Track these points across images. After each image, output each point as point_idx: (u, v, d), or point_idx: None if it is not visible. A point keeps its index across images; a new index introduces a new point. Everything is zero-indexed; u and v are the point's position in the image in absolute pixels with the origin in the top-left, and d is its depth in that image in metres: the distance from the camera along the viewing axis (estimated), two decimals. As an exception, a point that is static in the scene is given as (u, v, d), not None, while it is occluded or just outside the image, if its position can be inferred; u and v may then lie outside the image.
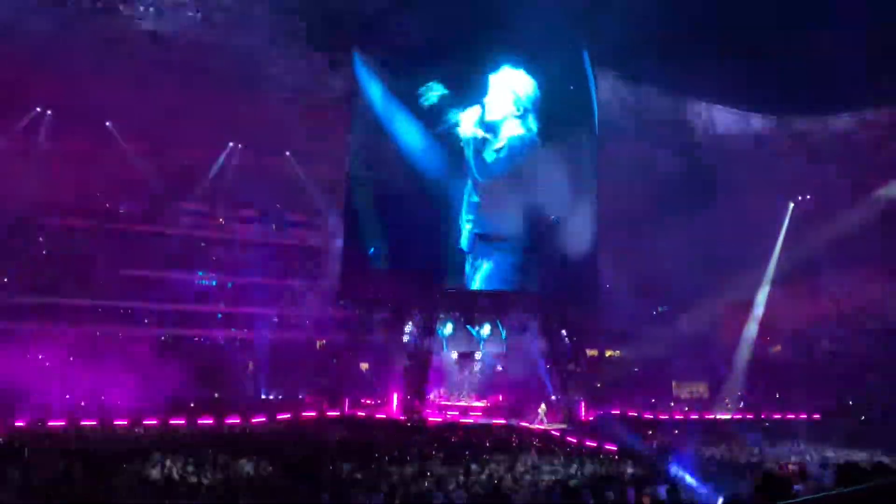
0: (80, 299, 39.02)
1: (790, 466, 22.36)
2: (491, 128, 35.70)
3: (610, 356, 52.01)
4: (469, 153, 35.59)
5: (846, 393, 39.87)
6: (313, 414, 34.45)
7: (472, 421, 34.85)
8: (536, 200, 34.87)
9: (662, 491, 17.63)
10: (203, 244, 45.93)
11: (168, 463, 16.96)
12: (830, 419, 37.04)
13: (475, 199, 35.66)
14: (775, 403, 41.96)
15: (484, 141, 35.58)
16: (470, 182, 35.64)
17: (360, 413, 36.36)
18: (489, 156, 35.45)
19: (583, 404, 37.08)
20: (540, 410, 33.71)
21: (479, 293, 36.90)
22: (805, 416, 38.38)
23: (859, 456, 23.77)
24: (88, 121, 36.75)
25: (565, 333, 39.47)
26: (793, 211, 47.55)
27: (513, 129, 35.74)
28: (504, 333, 43.38)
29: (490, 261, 35.89)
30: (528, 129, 35.86)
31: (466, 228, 36.07)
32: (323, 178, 45.72)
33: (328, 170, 43.75)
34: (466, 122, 35.99)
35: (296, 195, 47.97)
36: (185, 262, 44.86)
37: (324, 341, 47.00)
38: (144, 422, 26.83)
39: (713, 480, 18.51)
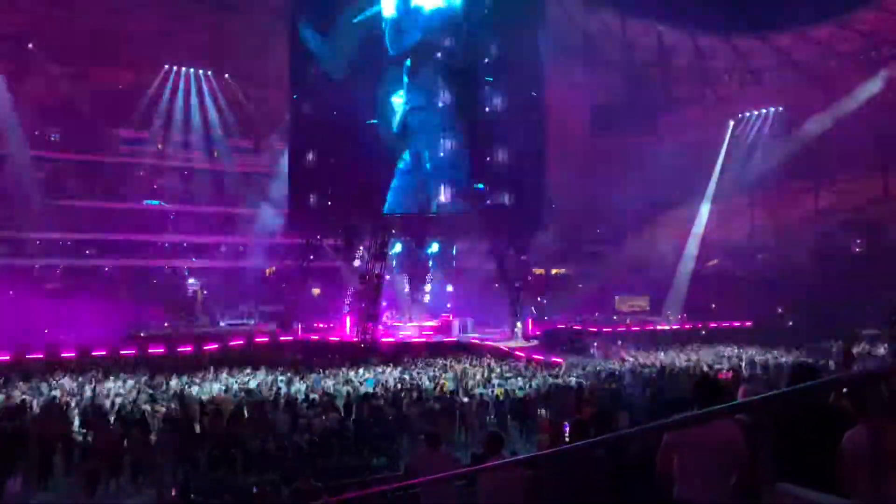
0: (17, 231, 38.01)
1: (724, 371, 24.36)
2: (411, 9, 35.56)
3: (556, 274, 54.00)
4: (390, 32, 35.43)
5: (778, 302, 42.43)
6: (266, 339, 34.92)
7: (424, 340, 35.88)
8: (475, 83, 35.15)
9: (605, 397, 19.31)
10: (142, 172, 44.73)
11: (119, 390, 17.24)
12: (762, 326, 39.64)
13: (405, 79, 35.77)
14: (712, 313, 44.47)
15: (403, 17, 35.40)
16: (407, 63, 35.54)
17: (313, 336, 37.02)
18: (407, 32, 35.29)
19: (530, 320, 38.54)
20: (517, 329, 34.97)
21: (428, 216, 37.25)
22: (738, 324, 40.88)
23: (785, 358, 25.88)
24: (8, 42, 34.69)
25: (513, 253, 40.46)
26: (734, 128, 48.76)
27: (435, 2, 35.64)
28: (455, 253, 44.21)
29: (443, 183, 36.06)
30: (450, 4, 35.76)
31: (399, 108, 36.06)
32: (267, 101, 44.66)
33: (272, 93, 42.70)
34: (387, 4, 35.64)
35: (240, 119, 46.86)
36: (126, 191, 43.80)
37: (274, 268, 47.10)
38: (94, 353, 26.88)
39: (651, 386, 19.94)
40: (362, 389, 18.46)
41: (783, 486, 2.97)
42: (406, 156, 36.84)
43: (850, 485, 3.35)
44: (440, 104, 35.84)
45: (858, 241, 44.29)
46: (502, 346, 32.86)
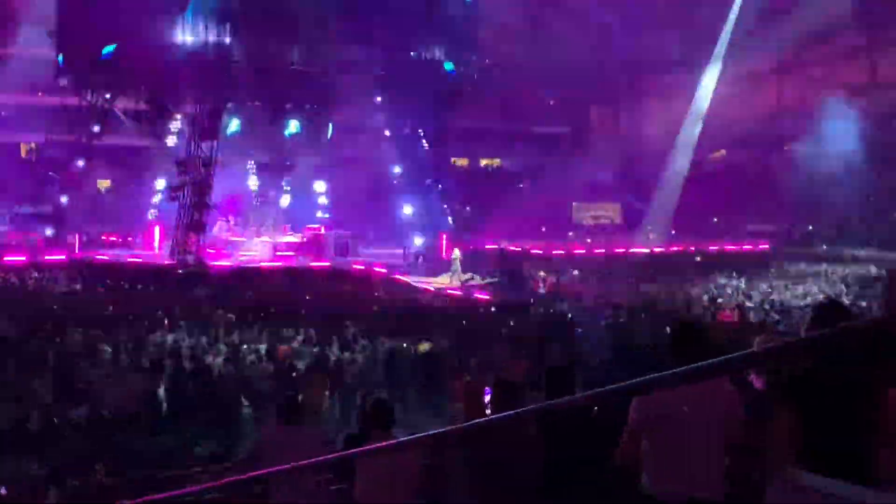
0: None
1: (726, 311, 25.53)
2: None
3: (486, 166, 54.86)
4: None
5: (811, 215, 44.67)
6: (22, 258, 34.07)
7: (280, 264, 36.02)
8: None
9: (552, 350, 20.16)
10: None
11: None
12: (783, 249, 42.04)
13: None
14: (713, 230, 46.57)
15: None
16: None
17: (99, 256, 36.44)
18: None
19: (444, 237, 39.27)
20: (454, 257, 35.38)
21: (287, 69, 36.77)
22: (750, 247, 43.12)
23: (815, 296, 27.48)
24: None
25: (422, 134, 40.59)
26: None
27: None
28: (330, 132, 43.93)
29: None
30: None
31: None
32: None
33: None
34: None
35: None
36: None
37: (34, 144, 45.41)
38: None
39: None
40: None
41: (800, 474, 3.14)
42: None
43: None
44: None
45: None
46: (422, 282, 33.67)
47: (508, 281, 34.63)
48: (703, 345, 4.82)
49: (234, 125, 41.93)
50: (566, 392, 5.24)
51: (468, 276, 35.04)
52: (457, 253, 35.62)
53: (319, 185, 45.09)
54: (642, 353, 17.90)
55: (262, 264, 36.04)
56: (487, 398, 6.67)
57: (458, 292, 32.21)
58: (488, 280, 34.80)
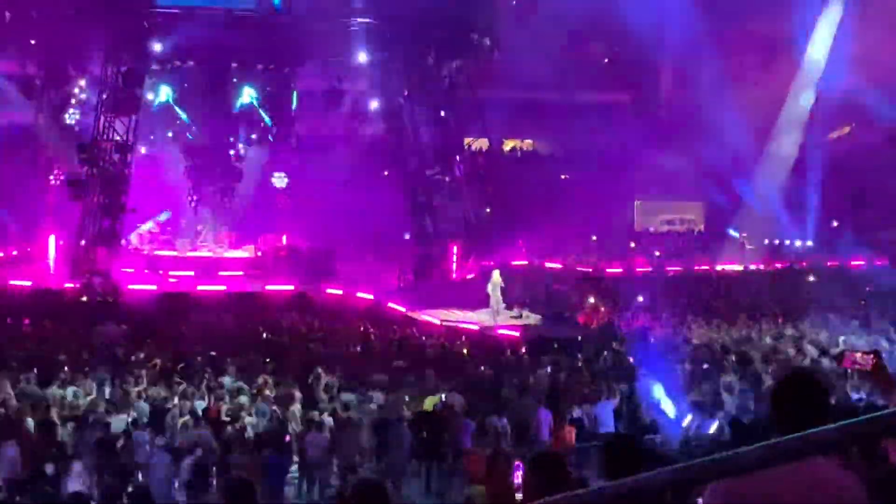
0: None
1: (856, 358, 25.33)
2: None
3: (514, 150, 54.67)
4: None
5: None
6: None
7: (224, 289, 35.99)
8: None
9: (606, 409, 20.33)
10: None
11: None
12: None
13: None
14: (833, 238, 46.29)
15: None
16: None
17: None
18: None
19: (455, 249, 39.13)
20: (493, 283, 34.78)
21: (233, 11, 37.00)
22: (886, 262, 42.92)
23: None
24: None
25: (423, 103, 40.54)
26: None
27: None
28: (295, 102, 43.91)
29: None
30: None
31: None
32: None
33: None
34: None
35: None
36: None
37: None
38: None
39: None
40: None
41: None
42: None
43: None
44: None
45: None
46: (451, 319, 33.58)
47: (548, 312, 34.54)
48: (817, 404, 4.65)
49: (161, 94, 41.79)
50: (629, 472, 5.09)
51: (516, 311, 34.85)
52: (496, 278, 34.97)
53: (279, 179, 44.95)
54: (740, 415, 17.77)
55: (200, 289, 35.91)
56: (519, 477, 6.52)
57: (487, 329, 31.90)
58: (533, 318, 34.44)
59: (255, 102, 43.27)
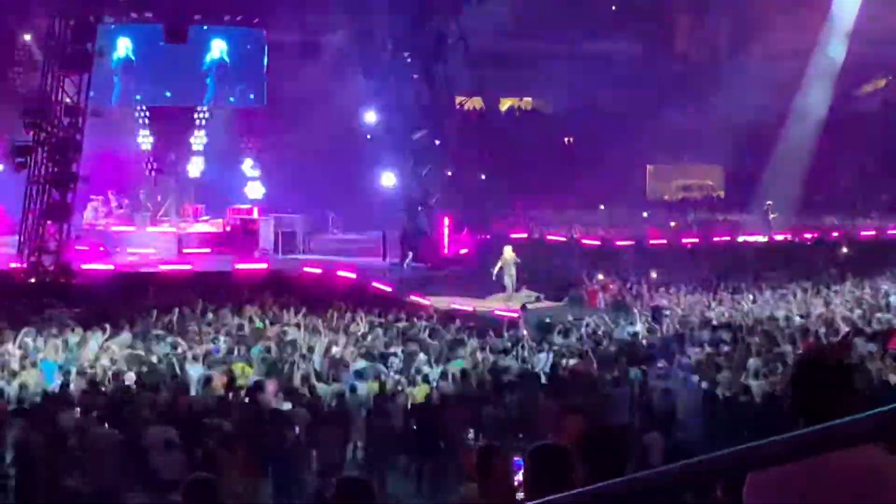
0: None
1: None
2: None
3: (512, 109, 55.07)
4: None
5: None
6: None
7: (189, 268, 35.93)
8: None
9: (618, 397, 20.43)
10: None
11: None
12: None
13: None
14: (867, 205, 46.42)
15: None
16: None
17: None
18: None
19: (447, 221, 39.04)
20: (504, 260, 34.52)
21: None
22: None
23: None
24: None
25: (408, 57, 40.53)
26: None
27: None
28: (266, 58, 43.81)
29: None
30: None
31: None
32: None
33: None
34: None
35: None
36: None
37: None
38: None
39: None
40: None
41: None
42: None
43: None
44: None
45: None
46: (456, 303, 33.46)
47: (551, 291, 34.63)
48: (838, 389, 4.74)
49: (119, 49, 41.62)
50: (611, 467, 5.22)
51: (530, 294, 34.95)
52: (508, 253, 35.09)
53: (250, 145, 44.85)
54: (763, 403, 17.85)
55: (162, 268, 35.93)
56: (520, 475, 6.57)
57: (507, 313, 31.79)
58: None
59: (222, 58, 43.08)
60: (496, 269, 34.69)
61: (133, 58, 42.27)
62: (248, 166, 45.36)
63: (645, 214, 47.71)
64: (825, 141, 46.31)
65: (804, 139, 47.05)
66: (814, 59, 48.30)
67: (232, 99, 44.74)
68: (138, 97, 43.99)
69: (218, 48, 43.01)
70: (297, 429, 18.02)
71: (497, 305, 33.69)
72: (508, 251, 34.64)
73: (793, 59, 48.14)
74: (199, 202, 42.88)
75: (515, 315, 30.59)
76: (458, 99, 47.00)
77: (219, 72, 43.46)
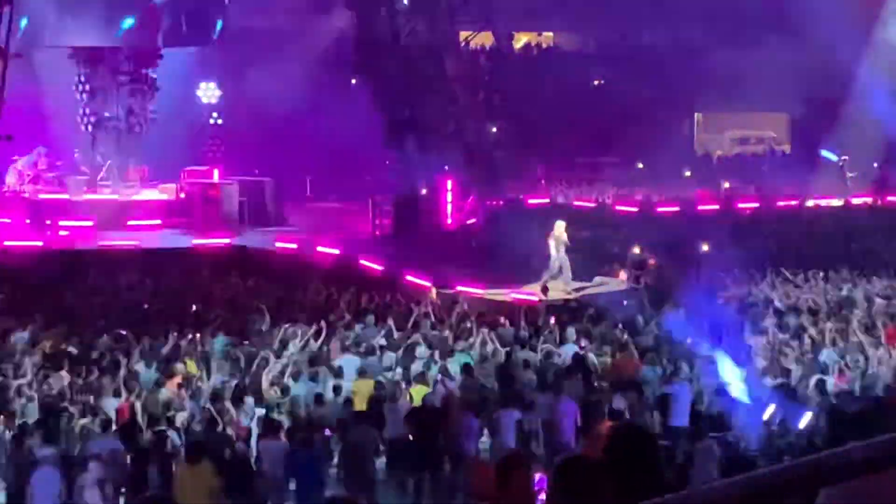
0: None
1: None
2: None
3: (529, 46, 54.30)
4: None
5: None
6: None
7: (135, 244, 35.89)
8: None
9: (680, 394, 20.33)
10: None
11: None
12: None
13: None
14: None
15: None
16: None
17: None
18: None
19: (450, 184, 38.99)
20: (556, 237, 34.06)
21: None
22: None
23: None
24: None
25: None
26: None
27: None
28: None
29: None
30: None
31: None
32: None
33: None
34: None
35: None
36: None
37: None
38: None
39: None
40: None
41: None
42: None
43: None
44: None
45: None
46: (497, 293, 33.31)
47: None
48: None
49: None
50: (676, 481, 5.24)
51: (595, 281, 34.66)
52: (560, 229, 34.53)
53: (208, 91, 44.89)
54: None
55: (102, 244, 35.90)
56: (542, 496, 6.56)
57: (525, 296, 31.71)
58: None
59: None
60: (553, 251, 33.91)
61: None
62: (206, 117, 45.13)
63: (687, 173, 47.54)
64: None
65: (887, 80, 46.91)
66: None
67: (183, 34, 44.28)
68: (68, 35, 43.39)
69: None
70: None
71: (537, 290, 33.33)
72: (560, 228, 33.98)
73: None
74: (146, 163, 42.52)
75: (535, 300, 30.56)
76: (463, 34, 46.87)
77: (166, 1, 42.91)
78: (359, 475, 18.18)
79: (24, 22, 39.46)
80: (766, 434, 18.63)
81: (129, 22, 41.50)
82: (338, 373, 21.67)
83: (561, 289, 32.62)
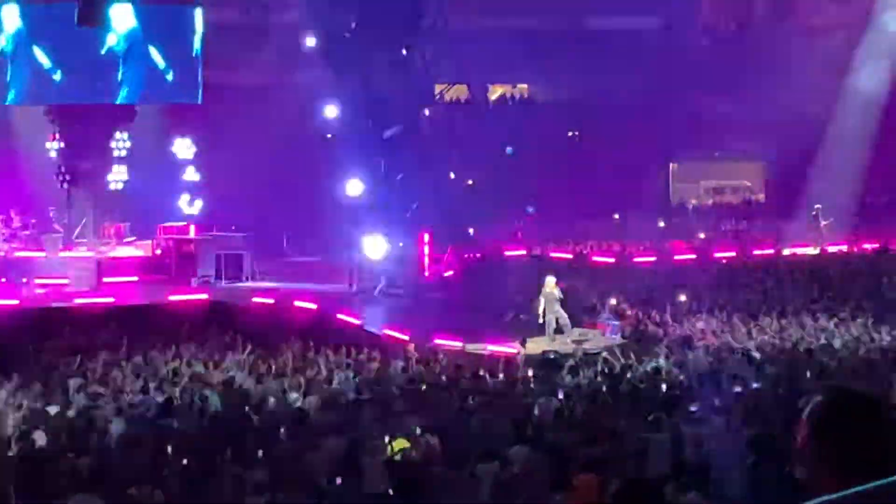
0: None
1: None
2: None
3: (503, 98, 54.78)
4: None
5: None
6: None
7: (111, 300, 35.81)
8: None
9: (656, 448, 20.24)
10: None
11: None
12: None
13: None
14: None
15: None
16: None
17: None
18: None
19: (427, 238, 38.97)
20: (546, 292, 34.00)
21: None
22: None
23: None
24: None
25: (378, 38, 40.58)
26: None
27: None
28: (200, 38, 43.79)
29: None
30: None
31: None
32: None
33: None
34: None
35: None
36: None
37: None
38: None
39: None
40: None
41: None
42: None
43: None
44: None
45: None
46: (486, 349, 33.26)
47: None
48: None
49: (7, 24, 41.41)
50: None
51: (580, 333, 34.47)
52: (550, 284, 34.79)
53: (183, 146, 44.95)
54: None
55: (78, 301, 35.83)
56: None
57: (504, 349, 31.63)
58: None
59: (144, 43, 42.75)
60: (539, 308, 33.95)
61: (29, 37, 41.62)
62: (183, 171, 45.12)
63: (661, 223, 47.65)
64: (885, 129, 46.37)
65: (859, 127, 47.08)
66: (868, 33, 48.47)
67: (159, 94, 44.33)
68: (44, 92, 43.38)
69: (134, 30, 42.28)
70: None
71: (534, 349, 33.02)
72: (551, 283, 34.23)
73: (844, 33, 48.33)
74: (122, 220, 42.49)
75: (514, 352, 30.56)
76: (438, 87, 46.91)
77: (141, 61, 42.96)
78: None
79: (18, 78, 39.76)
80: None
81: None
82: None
83: (546, 343, 32.63)
